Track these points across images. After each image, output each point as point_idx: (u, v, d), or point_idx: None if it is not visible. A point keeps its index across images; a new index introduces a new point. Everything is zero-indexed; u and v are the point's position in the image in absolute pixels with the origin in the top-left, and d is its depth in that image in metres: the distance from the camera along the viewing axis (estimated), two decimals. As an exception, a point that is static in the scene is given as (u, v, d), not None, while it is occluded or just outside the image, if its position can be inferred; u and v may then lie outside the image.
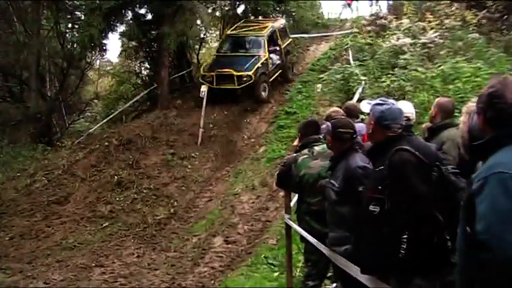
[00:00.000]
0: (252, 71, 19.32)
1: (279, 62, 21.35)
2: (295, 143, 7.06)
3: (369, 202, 4.05)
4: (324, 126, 5.55)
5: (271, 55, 20.97)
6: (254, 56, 20.45)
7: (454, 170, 4.10)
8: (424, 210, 3.76)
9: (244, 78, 19.25)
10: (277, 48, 21.49)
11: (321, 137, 6.24)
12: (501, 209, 2.53)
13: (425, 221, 3.75)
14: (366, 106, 4.50)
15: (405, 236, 3.72)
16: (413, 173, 3.83)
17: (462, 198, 2.94)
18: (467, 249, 2.79)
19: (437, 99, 6.92)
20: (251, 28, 22.52)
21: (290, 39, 24.19)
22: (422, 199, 3.77)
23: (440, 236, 3.83)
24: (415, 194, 3.78)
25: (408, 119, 5.74)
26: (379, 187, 3.96)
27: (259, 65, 19.85)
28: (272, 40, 21.59)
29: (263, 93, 19.98)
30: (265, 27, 22.19)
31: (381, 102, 4.35)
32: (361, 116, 8.37)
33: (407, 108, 5.89)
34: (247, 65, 19.79)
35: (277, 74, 21.25)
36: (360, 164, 4.95)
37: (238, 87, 19.23)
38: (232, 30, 22.80)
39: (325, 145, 6.03)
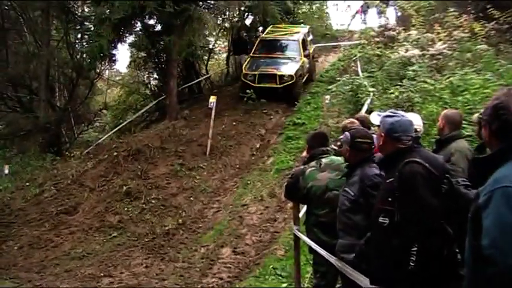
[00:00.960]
0: (294, 71, 20.52)
1: (308, 65, 22.56)
2: (304, 154, 7.07)
3: (379, 214, 4.05)
4: (342, 136, 5.56)
5: (305, 58, 22.06)
6: (291, 58, 21.79)
7: (465, 183, 4.10)
8: (434, 222, 3.76)
9: (286, 78, 20.35)
10: (307, 53, 22.58)
11: (329, 149, 6.25)
12: (506, 223, 2.54)
13: (435, 233, 3.76)
14: (375, 118, 4.51)
15: (415, 249, 3.72)
16: (423, 185, 3.84)
17: (470, 211, 2.95)
18: (474, 263, 2.79)
19: (444, 111, 6.95)
20: (283, 32, 23.93)
21: (314, 45, 25.58)
22: (432, 211, 3.78)
23: (450, 249, 3.83)
24: (424, 206, 3.78)
25: (416, 131, 5.77)
26: (389, 199, 3.97)
27: (298, 66, 21.04)
28: (304, 44, 22.76)
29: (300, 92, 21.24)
30: (297, 32, 23.85)
31: (391, 114, 4.36)
32: (372, 128, 8.40)
33: (415, 120, 5.91)
34: (288, 65, 21.14)
35: (306, 76, 22.38)
36: (377, 172, 4.96)
37: (280, 86, 20.27)
38: (266, 34, 24.05)
39: (332, 157, 6.06)
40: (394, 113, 4.41)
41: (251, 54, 22.50)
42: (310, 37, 25.15)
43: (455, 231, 3.80)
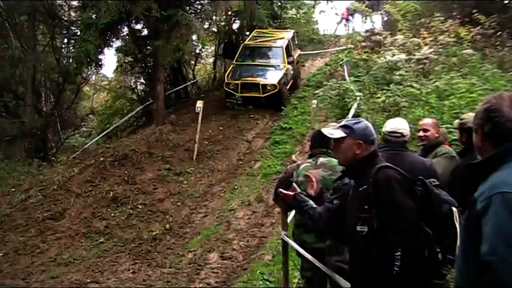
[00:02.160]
0: (277, 81, 20.23)
1: (292, 71, 22.22)
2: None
3: (356, 222, 4.01)
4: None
5: (289, 65, 21.74)
6: (275, 65, 21.50)
7: (436, 183, 4.10)
8: (414, 225, 3.76)
9: (269, 87, 20.14)
10: (291, 59, 22.25)
11: (330, 150, 6.22)
12: (506, 230, 2.52)
13: (417, 235, 3.75)
14: (336, 132, 4.35)
15: (398, 253, 3.71)
16: (399, 189, 3.83)
17: (464, 217, 2.94)
18: (467, 268, 2.78)
19: (425, 120, 7.13)
20: (268, 38, 23.65)
21: (299, 50, 25.61)
22: (411, 214, 3.77)
23: (431, 249, 3.84)
24: (403, 209, 3.78)
25: (402, 134, 5.79)
26: (366, 206, 3.94)
27: (281, 74, 20.71)
28: (288, 50, 22.52)
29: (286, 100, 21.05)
30: (281, 38, 23.55)
31: (356, 120, 4.32)
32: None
33: (401, 124, 5.95)
34: (271, 74, 20.90)
35: (291, 82, 22.15)
36: None
37: (262, 95, 20.11)
38: (249, 41, 23.81)
39: (331, 158, 6.02)
40: (357, 119, 4.39)
41: (234, 62, 22.34)
42: (296, 42, 25.01)
43: (433, 231, 3.81)
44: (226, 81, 21.03)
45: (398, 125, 5.91)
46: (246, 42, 23.85)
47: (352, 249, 4.24)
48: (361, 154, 4.16)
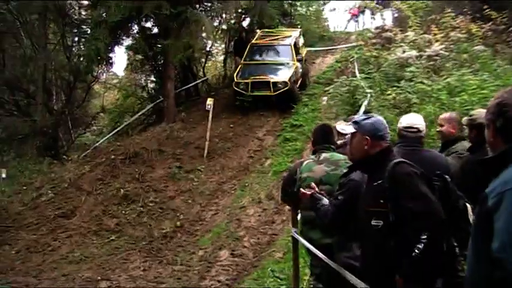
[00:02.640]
0: (288, 78, 19.96)
1: (301, 69, 21.82)
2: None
3: (370, 217, 4.02)
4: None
5: (298, 63, 21.39)
6: (285, 63, 21.21)
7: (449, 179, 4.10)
8: (439, 212, 3.74)
9: (280, 85, 19.80)
10: (300, 57, 21.95)
11: (332, 146, 6.19)
12: None
13: (440, 224, 3.74)
14: (347, 127, 4.43)
15: (424, 236, 3.68)
16: (420, 182, 3.83)
17: (475, 214, 2.91)
18: (477, 265, 2.75)
19: (444, 115, 7.00)
20: (275, 37, 23.41)
21: (306, 48, 25.11)
22: (435, 203, 3.76)
23: (449, 242, 3.83)
24: (426, 198, 3.77)
25: (418, 130, 5.74)
26: (381, 201, 3.93)
27: (291, 72, 20.41)
28: (295, 48, 22.21)
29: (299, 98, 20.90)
30: (288, 36, 23.36)
31: (365, 116, 4.34)
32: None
33: (417, 120, 5.90)
34: (281, 72, 20.63)
35: (300, 81, 21.69)
36: None
37: (274, 93, 19.73)
38: (256, 40, 23.43)
39: (334, 153, 6.00)
40: (367, 115, 4.40)
41: (242, 61, 22.08)
42: (302, 40, 24.80)
43: (450, 226, 3.80)
44: (235, 80, 20.62)
45: (414, 120, 5.85)
46: (253, 41, 23.45)
47: (365, 243, 4.23)
48: (372, 150, 4.18)
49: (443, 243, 3.82)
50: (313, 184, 5.20)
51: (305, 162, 6.16)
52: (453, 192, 3.98)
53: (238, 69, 21.53)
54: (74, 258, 12.13)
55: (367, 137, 4.19)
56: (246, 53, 22.34)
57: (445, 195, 3.90)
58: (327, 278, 5.92)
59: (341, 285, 4.99)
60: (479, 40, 16.86)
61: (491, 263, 2.57)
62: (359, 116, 4.46)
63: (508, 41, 17.16)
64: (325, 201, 4.87)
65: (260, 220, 13.02)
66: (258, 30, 25.59)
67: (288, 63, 21.17)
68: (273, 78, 20.14)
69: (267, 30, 24.77)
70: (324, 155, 6.03)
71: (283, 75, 20.33)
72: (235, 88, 20.38)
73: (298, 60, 21.55)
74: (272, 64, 21.47)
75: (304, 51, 23.82)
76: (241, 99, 20.21)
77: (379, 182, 3.98)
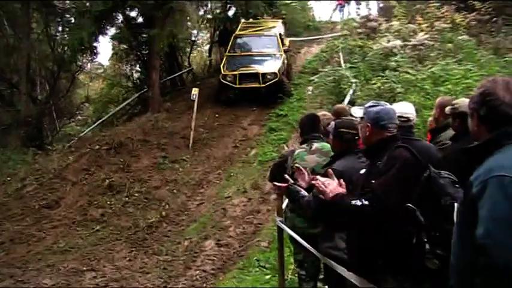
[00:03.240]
0: (277, 69, 19.42)
1: (286, 60, 21.26)
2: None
3: (362, 197, 4.05)
4: (331, 125, 5.53)
5: (285, 54, 20.95)
6: (272, 55, 20.66)
7: (449, 176, 4.08)
8: (395, 204, 3.74)
9: (269, 77, 19.19)
10: (286, 48, 21.60)
11: (321, 135, 6.21)
12: (501, 214, 2.53)
13: (408, 218, 3.74)
14: (357, 111, 4.50)
15: (386, 232, 3.71)
16: (402, 169, 3.83)
17: (460, 201, 2.94)
18: (462, 252, 2.78)
19: (438, 99, 6.93)
20: (259, 28, 22.89)
21: (289, 38, 24.38)
22: (396, 196, 3.76)
23: (419, 238, 3.84)
24: (399, 187, 3.78)
25: (409, 119, 5.74)
26: (372, 181, 3.96)
27: (280, 63, 19.93)
28: (280, 37, 21.84)
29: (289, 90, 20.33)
30: (273, 27, 22.85)
31: (374, 104, 4.37)
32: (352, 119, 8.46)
33: (407, 109, 5.89)
34: (270, 63, 20.07)
35: (286, 73, 21.04)
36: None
37: (263, 85, 19.11)
38: (240, 31, 22.77)
39: (323, 143, 6.03)
40: (377, 102, 4.42)
41: (227, 53, 21.35)
42: (285, 30, 24.58)
43: (426, 220, 3.80)
44: (222, 72, 19.93)
45: (404, 109, 5.82)
46: (236, 32, 22.80)
47: (351, 225, 4.25)
48: (372, 137, 4.24)
49: (412, 238, 3.82)
50: (287, 176, 5.26)
51: (297, 151, 6.19)
52: (437, 186, 3.97)
53: (224, 61, 20.86)
54: (58, 249, 12.07)
55: (369, 124, 4.24)
56: (230, 44, 21.69)
57: (427, 187, 3.90)
58: (310, 265, 5.97)
59: (324, 273, 5.05)
60: (464, 30, 16.96)
61: (476, 250, 2.61)
62: (370, 103, 4.49)
63: (492, 31, 17.25)
64: (304, 192, 4.90)
65: (245, 210, 13.03)
66: (243, 20, 25.41)
67: (275, 54, 20.66)
68: (261, 69, 19.58)
69: (249, 21, 24.34)
70: (315, 145, 6.06)
71: (272, 66, 19.80)
72: (223, 80, 19.74)
73: (285, 51, 21.16)
74: (260, 55, 20.87)
75: (287, 42, 23.28)
76: (226, 94, 19.83)
77: (379, 163, 4.02)
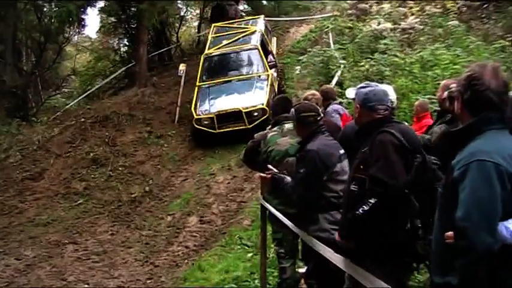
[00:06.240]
0: (265, 101, 14.81)
1: (275, 74, 17.13)
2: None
3: (351, 182, 4.07)
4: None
5: (272, 70, 16.56)
6: (256, 78, 16.11)
7: (436, 161, 4.11)
8: (401, 188, 3.75)
9: (256, 114, 14.75)
10: (273, 61, 17.23)
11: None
12: (481, 197, 2.56)
13: (395, 197, 3.75)
14: (351, 92, 4.52)
15: (372, 200, 3.72)
16: (394, 152, 3.83)
17: (441, 185, 2.95)
18: (443, 234, 2.79)
19: (443, 81, 6.88)
20: (234, 38, 17.93)
21: (275, 38, 21.30)
22: (401, 176, 3.76)
23: (413, 222, 3.85)
24: (392, 169, 3.77)
25: (391, 101, 5.71)
26: (361, 166, 3.97)
27: (267, 89, 15.39)
28: (263, 47, 17.36)
29: None
30: (252, 32, 18.03)
31: (364, 85, 4.38)
32: (339, 100, 8.49)
33: (388, 92, 5.85)
34: (254, 93, 15.47)
35: (276, 90, 16.52)
36: (314, 147, 5.04)
37: (250, 126, 14.33)
38: (210, 49, 17.77)
39: None
40: (368, 84, 4.41)
41: (198, 83, 16.60)
42: (269, 29, 20.37)
43: (420, 206, 3.81)
44: (195, 116, 15.27)
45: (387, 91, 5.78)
46: (207, 51, 17.71)
47: (343, 209, 4.26)
48: (361, 119, 4.24)
49: (406, 223, 3.83)
50: (270, 166, 5.46)
51: (269, 135, 6.16)
52: (431, 172, 3.98)
53: (195, 97, 16.12)
54: (41, 221, 12.06)
55: (358, 105, 4.25)
56: (199, 69, 17.10)
57: (423, 174, 3.91)
58: (288, 244, 5.99)
59: (302, 252, 5.08)
60: (454, 15, 16.93)
61: (455, 232, 2.63)
62: (362, 84, 4.51)
63: (483, 17, 17.24)
64: (288, 179, 5.06)
65: (229, 187, 13.02)
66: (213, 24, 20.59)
67: (260, 77, 16.11)
68: (245, 104, 15.00)
69: (220, 25, 19.64)
70: (286, 126, 6.05)
71: (258, 97, 15.23)
72: (197, 126, 15.22)
73: (272, 66, 16.80)
74: (239, 81, 16.27)
75: (274, 44, 19.85)
76: (204, 141, 15.37)
77: (365, 149, 4.00)
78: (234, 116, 14.79)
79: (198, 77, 16.76)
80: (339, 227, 4.25)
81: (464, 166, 2.67)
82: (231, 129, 14.75)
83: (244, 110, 14.69)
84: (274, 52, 18.48)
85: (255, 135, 6.69)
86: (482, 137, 2.74)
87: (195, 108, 15.48)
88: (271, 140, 6.05)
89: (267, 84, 15.56)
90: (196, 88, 16.35)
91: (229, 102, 15.23)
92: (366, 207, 3.73)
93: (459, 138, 2.87)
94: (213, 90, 16.05)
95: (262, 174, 5.42)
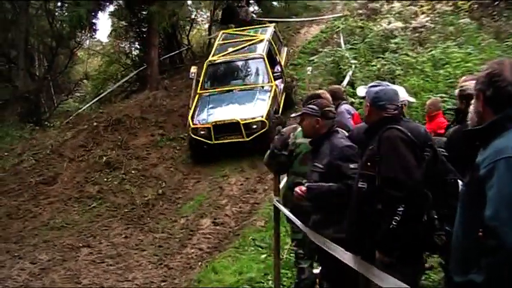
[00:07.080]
0: (265, 113, 14.30)
1: (282, 85, 16.36)
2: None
3: (359, 179, 4.07)
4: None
5: (277, 81, 15.83)
6: (259, 89, 15.62)
7: (444, 153, 4.11)
8: (417, 183, 3.74)
9: (254, 126, 14.17)
10: (279, 71, 16.39)
11: None
12: (510, 196, 2.52)
13: (420, 195, 3.75)
14: (361, 90, 4.52)
15: (401, 209, 3.70)
16: (404, 147, 3.83)
17: (465, 183, 2.93)
18: (469, 234, 2.77)
19: (462, 79, 6.85)
20: (241, 45, 17.41)
21: (286, 48, 20.62)
22: (415, 171, 3.76)
23: (429, 214, 3.85)
24: (406, 166, 3.77)
25: (407, 101, 5.78)
26: (369, 163, 3.97)
27: (269, 102, 14.77)
28: (271, 57, 16.71)
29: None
30: (260, 41, 17.43)
31: (375, 84, 4.39)
32: (351, 99, 8.47)
33: (400, 93, 5.85)
34: (255, 104, 14.89)
35: (282, 103, 16.06)
36: (347, 143, 4.90)
37: (247, 139, 14.10)
38: (214, 55, 17.21)
39: None
40: (379, 83, 4.43)
41: (199, 91, 16.12)
42: (279, 38, 19.64)
43: (435, 199, 3.81)
44: (191, 125, 14.70)
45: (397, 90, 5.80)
46: (210, 57, 17.23)
47: (351, 206, 4.24)
48: (370, 117, 4.26)
49: (423, 214, 3.84)
50: (301, 187, 5.06)
51: (299, 129, 6.15)
52: (442, 164, 3.99)
53: (193, 106, 15.57)
54: (55, 225, 12.09)
55: (368, 104, 4.27)
56: (202, 76, 16.50)
57: (434, 166, 3.91)
58: (309, 244, 5.95)
59: (323, 257, 5.02)
60: (465, 13, 16.88)
61: (483, 230, 2.60)
62: (372, 83, 4.52)
63: (494, 14, 17.16)
64: (323, 184, 4.81)
65: (242, 189, 13.02)
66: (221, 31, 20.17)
67: (263, 87, 15.57)
68: (243, 115, 14.38)
69: (229, 32, 19.32)
70: None
71: (258, 109, 14.58)
72: (193, 136, 14.59)
73: (277, 78, 15.90)
74: (241, 91, 15.67)
75: (284, 55, 19.02)
76: (200, 153, 14.92)
77: (372, 146, 4.01)
78: (231, 127, 14.26)
79: (200, 85, 16.22)
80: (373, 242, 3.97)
81: (492, 164, 2.62)
82: (228, 141, 14.31)
83: (242, 122, 14.13)
84: (283, 63, 17.71)
85: (283, 129, 6.66)
86: (506, 134, 2.71)
87: (193, 117, 14.94)
88: (301, 134, 6.04)
89: (270, 96, 14.96)
90: (197, 96, 15.90)
91: (228, 112, 14.70)
92: (397, 218, 3.71)
93: (482, 136, 2.84)
94: (213, 99, 15.59)
95: (299, 191, 4.99)
